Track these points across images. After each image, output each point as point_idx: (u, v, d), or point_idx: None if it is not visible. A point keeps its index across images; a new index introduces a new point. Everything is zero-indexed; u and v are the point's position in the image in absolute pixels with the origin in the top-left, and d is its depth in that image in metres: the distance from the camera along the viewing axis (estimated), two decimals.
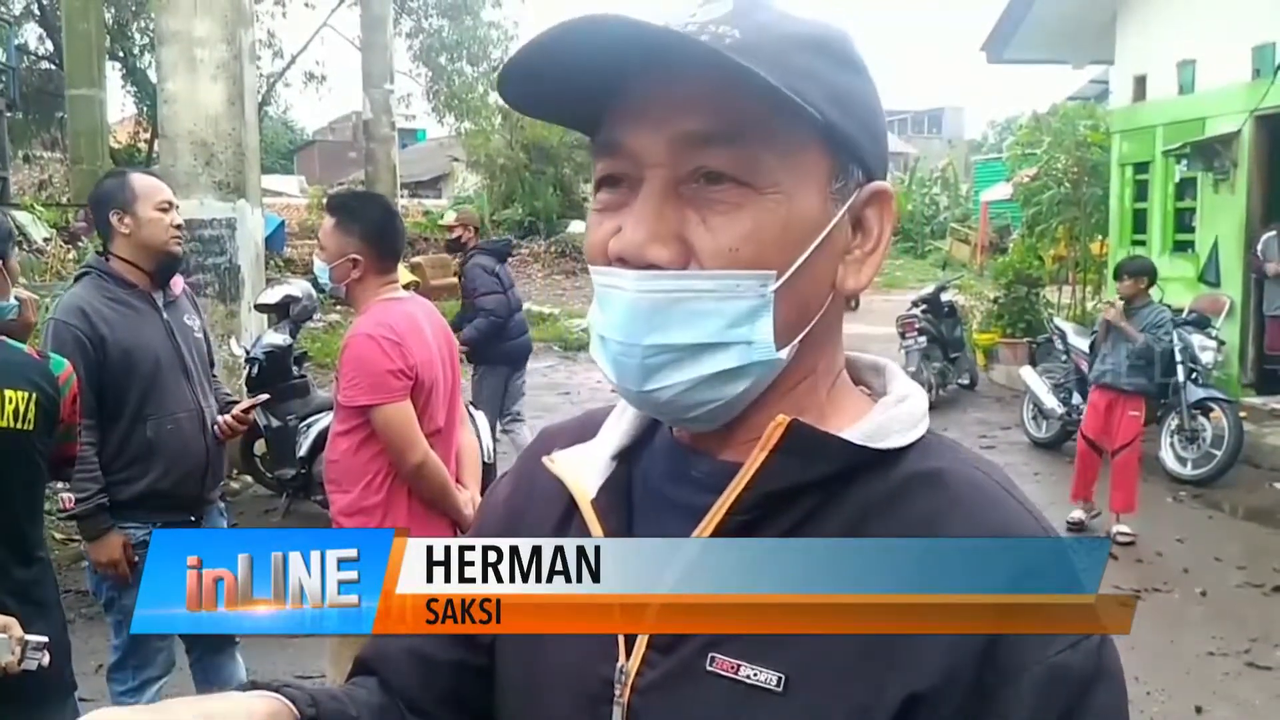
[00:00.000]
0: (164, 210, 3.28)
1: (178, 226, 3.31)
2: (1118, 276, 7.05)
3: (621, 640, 0.82)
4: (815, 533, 0.78)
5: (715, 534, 0.79)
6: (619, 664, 0.82)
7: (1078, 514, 6.93)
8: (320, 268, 3.22)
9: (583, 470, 0.90)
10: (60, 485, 3.24)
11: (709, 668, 0.78)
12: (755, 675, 0.76)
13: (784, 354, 0.80)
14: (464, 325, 6.88)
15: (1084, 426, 7.02)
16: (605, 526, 0.85)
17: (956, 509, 0.78)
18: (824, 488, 0.79)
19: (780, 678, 0.76)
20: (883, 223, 0.84)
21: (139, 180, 3.32)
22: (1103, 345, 6.93)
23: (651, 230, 0.77)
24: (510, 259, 8.18)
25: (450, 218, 7.93)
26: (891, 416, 0.83)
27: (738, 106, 0.75)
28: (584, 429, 0.98)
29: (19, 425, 2.40)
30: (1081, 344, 8.93)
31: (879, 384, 0.91)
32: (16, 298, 2.73)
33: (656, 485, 0.88)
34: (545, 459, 0.93)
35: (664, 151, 0.77)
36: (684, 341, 0.77)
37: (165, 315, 3.34)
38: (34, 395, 2.44)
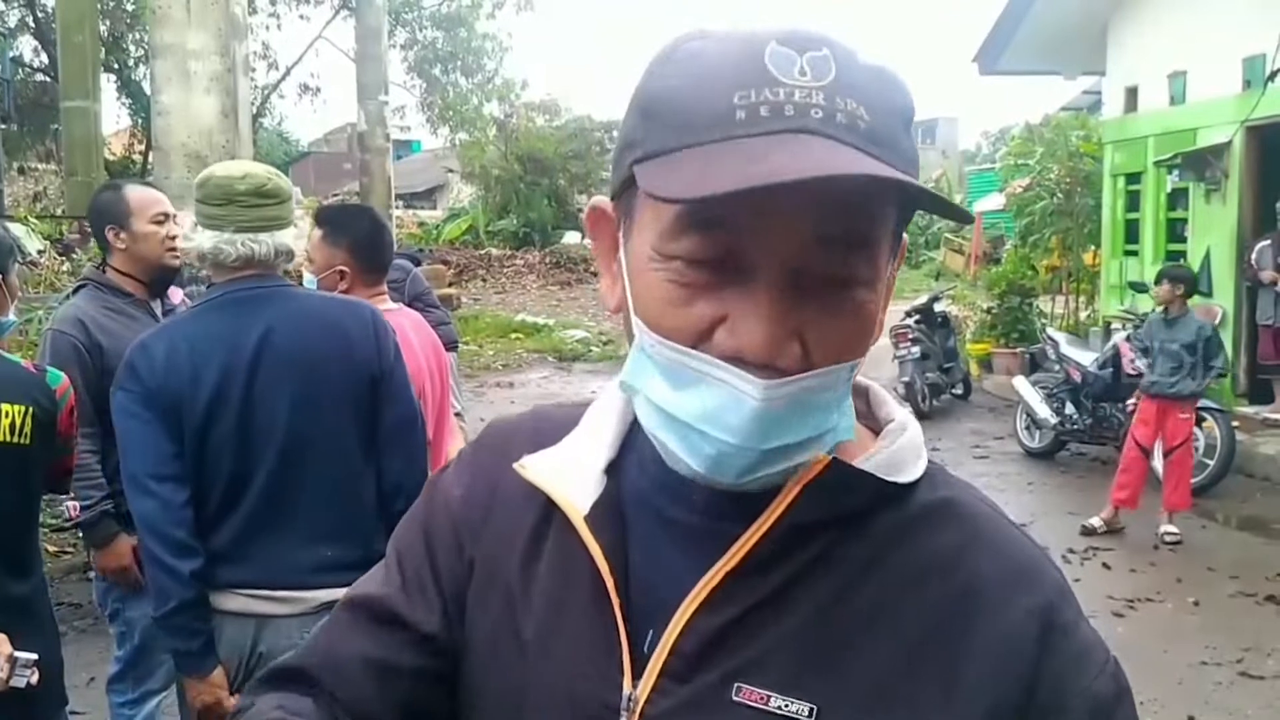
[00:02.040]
0: (159, 222, 3.28)
1: (173, 237, 3.30)
2: (1157, 281, 7.16)
3: (627, 663, 0.79)
4: (837, 564, 0.78)
5: (741, 564, 0.77)
6: (625, 691, 0.79)
7: (1096, 520, 7.01)
8: (308, 279, 3.23)
9: (568, 481, 0.86)
10: (66, 496, 3.21)
11: (735, 698, 0.76)
12: (786, 707, 0.74)
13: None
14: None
15: (1134, 434, 7.07)
16: (600, 543, 0.82)
17: (979, 545, 0.80)
18: (848, 520, 0.79)
19: (812, 709, 0.74)
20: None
21: (134, 194, 3.32)
22: (1146, 356, 7.12)
23: (778, 333, 0.72)
24: (504, 269, 8.12)
25: None
26: (900, 448, 0.82)
27: (879, 212, 0.74)
28: (539, 430, 0.93)
29: (15, 440, 2.39)
30: (1074, 354, 8.96)
31: (860, 405, 0.90)
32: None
33: (650, 501, 0.85)
34: (518, 466, 0.88)
35: (797, 250, 0.71)
36: (798, 439, 0.75)
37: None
38: (30, 409, 2.43)
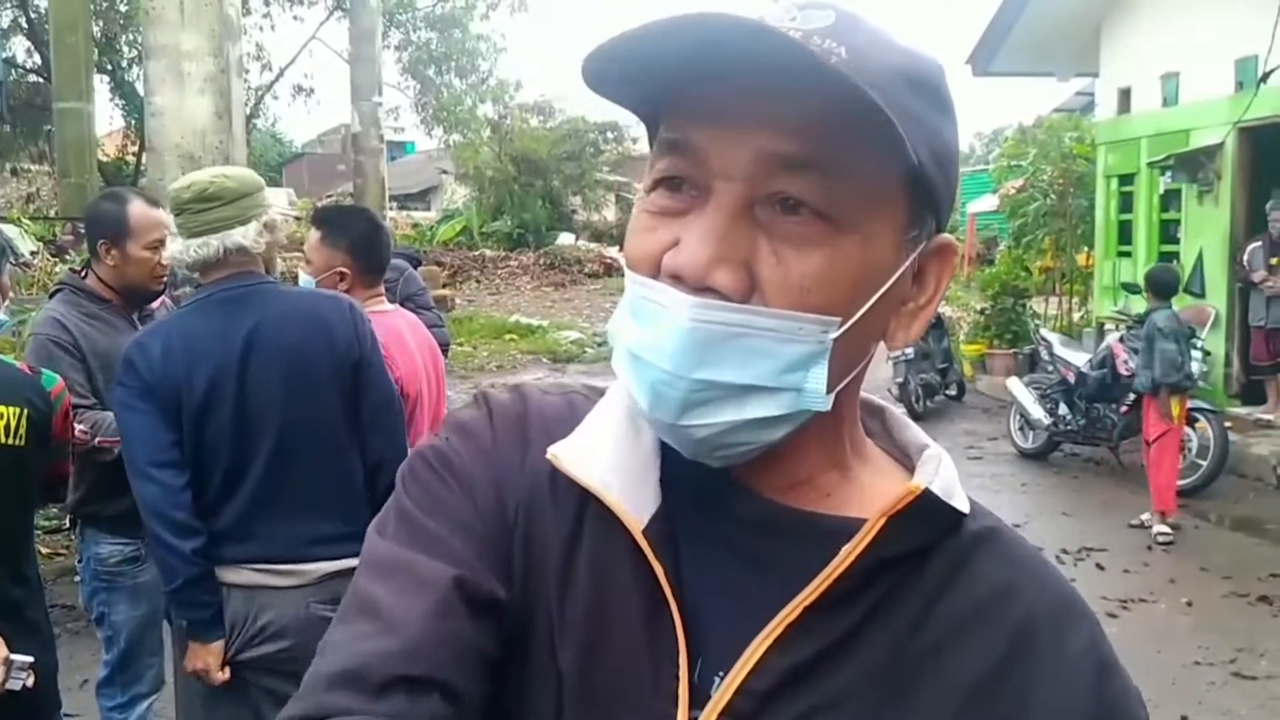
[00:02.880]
0: (154, 248, 3.21)
1: (164, 264, 3.23)
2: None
3: (684, 697, 0.74)
4: (908, 598, 0.76)
5: (820, 598, 0.74)
6: None
7: (1146, 515, 7.16)
8: (305, 280, 3.22)
9: (614, 484, 0.78)
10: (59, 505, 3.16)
11: None
12: None
13: (829, 402, 0.74)
14: None
15: (1144, 433, 7.37)
16: (662, 563, 0.76)
17: (1029, 577, 0.80)
18: (919, 552, 0.78)
19: None
20: (941, 277, 0.80)
21: (136, 214, 3.23)
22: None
23: (717, 251, 0.70)
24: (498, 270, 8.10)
25: None
26: (947, 478, 0.79)
27: (835, 134, 0.68)
28: (543, 419, 0.86)
29: (10, 441, 2.39)
30: (1068, 355, 8.99)
31: (874, 426, 0.88)
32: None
33: (691, 518, 0.79)
34: (552, 456, 0.80)
35: (746, 167, 0.70)
36: (735, 381, 0.71)
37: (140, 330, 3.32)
38: (25, 411, 2.43)
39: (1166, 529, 6.88)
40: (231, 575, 2.60)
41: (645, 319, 0.73)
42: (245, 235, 2.63)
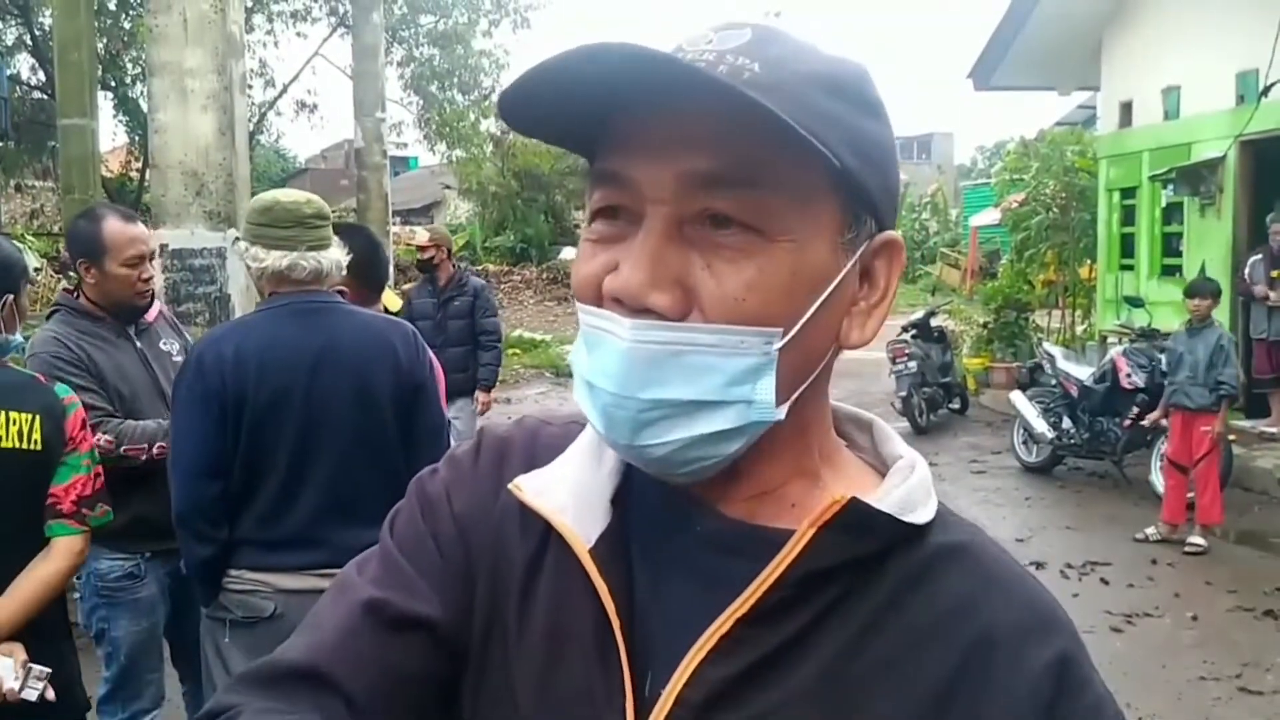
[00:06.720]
0: (132, 265, 3.21)
1: (146, 280, 3.25)
2: (1191, 295, 7.30)
3: (630, 712, 0.75)
4: (852, 611, 0.75)
5: (753, 609, 0.74)
6: None
7: (1151, 529, 7.19)
8: None
9: (572, 510, 0.80)
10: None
11: None
12: None
13: (782, 412, 0.74)
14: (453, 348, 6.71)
15: (1168, 451, 7.28)
16: (606, 581, 0.78)
17: (995, 592, 0.77)
18: (863, 563, 0.76)
19: None
20: (890, 274, 0.80)
21: (111, 231, 3.21)
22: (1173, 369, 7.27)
23: (652, 273, 0.71)
24: (501, 284, 8.19)
25: (423, 237, 7.51)
26: (912, 487, 0.79)
27: (751, 147, 0.70)
28: (533, 447, 0.89)
29: (25, 446, 2.41)
30: (1070, 368, 8.98)
31: (863, 440, 0.88)
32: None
33: (651, 534, 0.81)
34: (513, 487, 0.83)
35: (669, 188, 0.72)
36: (682, 398, 0.72)
37: (138, 344, 3.32)
38: (39, 416, 2.44)
39: (1203, 541, 6.92)
40: (292, 581, 2.68)
41: (594, 346, 0.75)
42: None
